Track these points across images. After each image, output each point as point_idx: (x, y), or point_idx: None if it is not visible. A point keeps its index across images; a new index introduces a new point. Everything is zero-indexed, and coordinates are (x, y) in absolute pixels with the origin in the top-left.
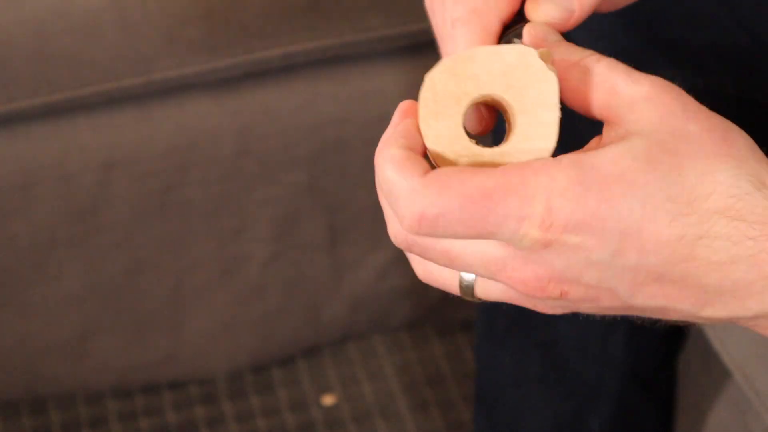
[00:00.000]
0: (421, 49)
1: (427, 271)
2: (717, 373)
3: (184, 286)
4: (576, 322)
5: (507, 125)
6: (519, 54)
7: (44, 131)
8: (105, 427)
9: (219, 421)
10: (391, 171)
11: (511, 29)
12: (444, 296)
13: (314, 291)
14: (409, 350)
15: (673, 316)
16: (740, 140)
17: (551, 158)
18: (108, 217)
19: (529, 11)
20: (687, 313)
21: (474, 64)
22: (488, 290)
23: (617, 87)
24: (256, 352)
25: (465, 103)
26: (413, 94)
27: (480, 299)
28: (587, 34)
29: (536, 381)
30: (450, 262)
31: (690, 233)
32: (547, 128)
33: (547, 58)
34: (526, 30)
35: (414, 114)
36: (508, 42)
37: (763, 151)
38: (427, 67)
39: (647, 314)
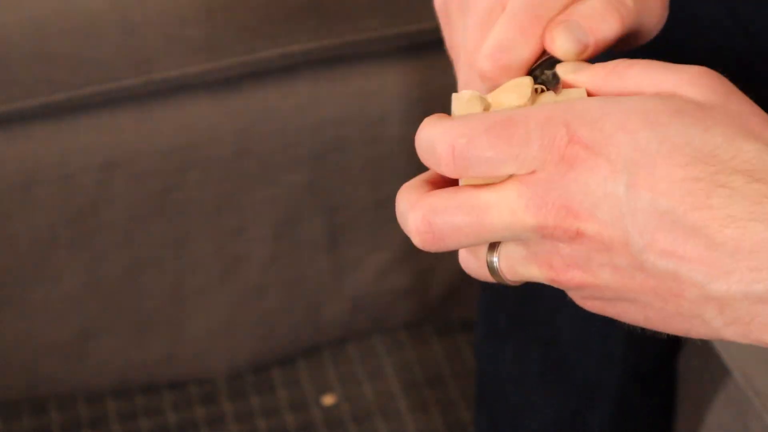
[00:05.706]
0: (421, 49)
1: (463, 258)
2: (717, 373)
3: (184, 286)
4: (576, 320)
5: None
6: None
7: (44, 131)
8: (105, 427)
9: (219, 421)
10: (427, 125)
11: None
12: (444, 296)
13: (314, 291)
14: (409, 350)
15: (687, 295)
16: None
17: None
18: (108, 217)
19: (547, 44)
20: (699, 287)
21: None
22: (511, 262)
23: (660, 76)
24: (256, 352)
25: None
26: (413, 94)
27: (508, 279)
28: None
29: (537, 379)
30: (477, 219)
31: (707, 179)
32: None
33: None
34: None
35: None
36: (542, 74)
37: None
38: (427, 67)
39: (659, 292)
